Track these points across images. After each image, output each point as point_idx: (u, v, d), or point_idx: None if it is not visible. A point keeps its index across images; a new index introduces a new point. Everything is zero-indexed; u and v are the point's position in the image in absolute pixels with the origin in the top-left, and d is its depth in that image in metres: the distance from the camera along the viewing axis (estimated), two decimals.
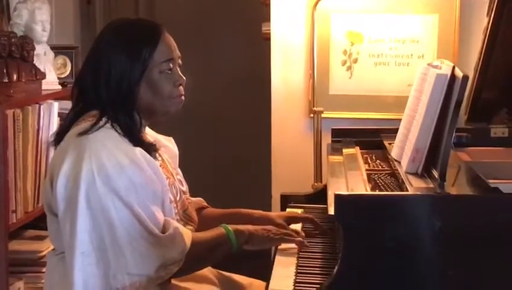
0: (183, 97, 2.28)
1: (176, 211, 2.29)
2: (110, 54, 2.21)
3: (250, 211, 2.55)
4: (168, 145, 2.43)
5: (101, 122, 2.16)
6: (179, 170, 2.47)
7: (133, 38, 2.23)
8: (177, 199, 2.32)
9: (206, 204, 2.60)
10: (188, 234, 2.16)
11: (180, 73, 2.28)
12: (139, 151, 2.16)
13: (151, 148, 2.23)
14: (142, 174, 2.13)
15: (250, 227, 2.30)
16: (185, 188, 2.42)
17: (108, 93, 2.20)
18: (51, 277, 2.26)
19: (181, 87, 2.27)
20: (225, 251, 2.24)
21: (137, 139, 2.20)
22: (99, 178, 2.07)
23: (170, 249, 2.11)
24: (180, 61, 2.29)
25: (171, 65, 2.24)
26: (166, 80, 2.23)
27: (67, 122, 2.25)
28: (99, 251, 2.06)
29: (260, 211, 2.56)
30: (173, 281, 2.23)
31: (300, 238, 2.35)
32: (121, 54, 2.20)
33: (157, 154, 2.28)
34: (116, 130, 2.17)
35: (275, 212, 2.65)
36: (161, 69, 2.22)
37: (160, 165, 2.27)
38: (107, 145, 2.12)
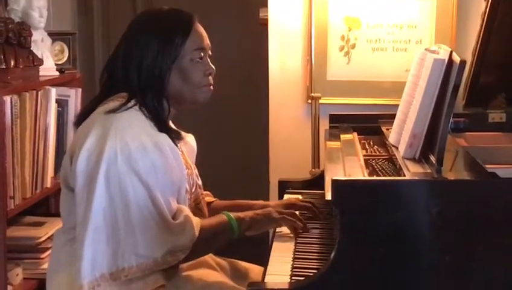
0: (212, 87, 2.32)
1: (189, 202, 2.31)
2: (143, 41, 2.25)
3: (251, 202, 2.56)
4: (188, 141, 2.44)
5: (130, 104, 2.20)
6: (194, 167, 2.48)
7: (167, 26, 2.27)
8: (192, 190, 2.35)
9: (213, 198, 2.61)
10: (197, 223, 2.18)
11: (210, 63, 2.31)
12: (163, 137, 2.20)
13: (175, 136, 2.28)
14: (164, 160, 2.16)
15: (250, 213, 2.32)
16: (200, 182, 2.44)
17: (138, 78, 2.24)
18: (57, 256, 2.27)
19: (210, 77, 2.31)
20: (227, 238, 2.26)
21: (163, 125, 2.24)
22: (121, 157, 2.09)
23: (180, 236, 2.13)
24: (210, 52, 2.33)
25: (202, 54, 2.29)
26: (197, 68, 2.27)
27: (93, 103, 2.28)
28: (111, 228, 2.08)
29: (261, 202, 2.57)
30: None
31: (301, 224, 2.36)
32: (154, 41, 2.24)
33: (178, 145, 2.30)
34: (144, 114, 2.21)
35: (274, 201, 2.65)
36: (192, 57, 2.26)
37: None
38: (133, 126, 2.16)
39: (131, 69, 2.25)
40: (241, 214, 2.30)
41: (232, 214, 2.28)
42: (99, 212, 2.08)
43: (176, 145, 2.28)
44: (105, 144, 2.10)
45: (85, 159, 2.12)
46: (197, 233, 2.15)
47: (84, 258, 2.07)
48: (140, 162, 2.11)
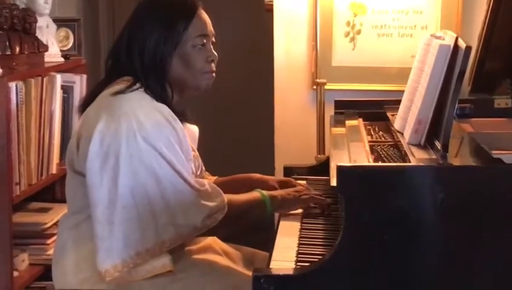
0: (214, 74, 2.33)
1: None
2: (146, 25, 2.26)
3: (248, 174, 2.61)
4: (189, 127, 2.45)
5: (135, 86, 2.22)
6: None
7: (170, 11, 2.28)
8: (198, 173, 2.37)
9: (212, 177, 2.62)
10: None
11: (213, 50, 2.32)
12: (171, 113, 2.21)
13: (181, 117, 2.29)
14: (175, 135, 2.19)
15: (281, 192, 2.40)
16: (204, 168, 2.47)
17: (141, 62, 2.25)
18: (62, 241, 2.28)
19: (213, 64, 2.32)
20: (258, 214, 2.33)
21: (168, 106, 2.24)
22: (140, 135, 2.12)
23: (211, 199, 2.18)
24: (214, 39, 2.34)
25: (205, 41, 2.30)
26: (199, 54, 2.29)
27: (98, 87, 2.30)
28: (142, 205, 2.11)
29: (258, 175, 2.62)
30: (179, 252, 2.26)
31: (326, 201, 2.43)
32: (157, 26, 2.25)
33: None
34: (149, 95, 2.23)
35: (272, 177, 2.68)
36: (194, 44, 2.27)
37: None
38: (143, 105, 2.18)
39: (134, 53, 2.26)
40: (273, 192, 2.37)
41: (265, 192, 2.34)
42: (127, 191, 2.10)
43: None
44: (120, 125, 2.12)
45: (98, 141, 2.12)
46: (224, 196, 2.20)
47: (116, 237, 2.09)
48: (158, 138, 2.13)
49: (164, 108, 2.21)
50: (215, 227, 2.19)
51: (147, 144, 2.12)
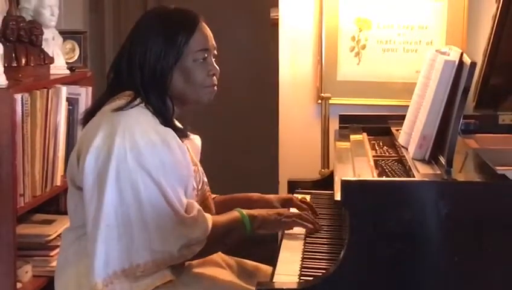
0: (215, 87, 2.32)
1: (196, 199, 2.31)
2: (147, 39, 2.25)
3: (248, 194, 2.59)
4: (193, 140, 2.45)
5: (136, 102, 2.21)
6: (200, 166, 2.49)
7: (171, 25, 2.28)
8: (199, 187, 2.36)
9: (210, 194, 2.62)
10: (209, 217, 2.21)
11: (214, 63, 2.31)
12: (170, 133, 2.20)
13: (180, 134, 2.28)
14: (172, 156, 2.17)
15: (263, 211, 2.34)
16: (206, 180, 2.44)
17: (142, 76, 2.24)
18: (65, 254, 2.28)
19: (214, 78, 2.31)
20: (239, 235, 2.28)
21: (168, 122, 2.24)
22: (130, 154, 2.11)
23: (194, 229, 2.15)
24: (215, 52, 2.33)
25: (206, 55, 2.29)
26: (200, 68, 2.28)
27: (100, 101, 2.29)
28: (123, 225, 2.09)
29: (258, 194, 2.59)
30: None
31: (311, 225, 2.37)
32: (158, 39, 2.24)
33: (184, 142, 2.31)
34: (150, 111, 2.22)
35: (272, 195, 2.63)
36: (195, 58, 2.26)
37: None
38: (141, 123, 2.17)
39: (135, 67, 2.25)
40: (254, 212, 2.31)
41: (245, 211, 2.30)
42: (111, 210, 2.09)
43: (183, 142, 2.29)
44: (114, 142, 2.11)
45: (94, 158, 2.13)
46: (210, 226, 2.17)
47: (97, 256, 2.08)
48: (150, 159, 2.12)
49: (165, 129, 2.20)
50: (200, 251, 2.17)
51: (136, 163, 2.11)
